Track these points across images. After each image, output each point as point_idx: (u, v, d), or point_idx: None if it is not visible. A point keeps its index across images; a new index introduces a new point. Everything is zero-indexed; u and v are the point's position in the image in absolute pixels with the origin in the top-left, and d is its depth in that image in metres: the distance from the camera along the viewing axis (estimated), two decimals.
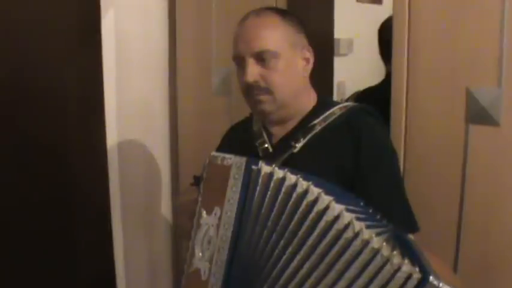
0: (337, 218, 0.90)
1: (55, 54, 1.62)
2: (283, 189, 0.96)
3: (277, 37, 1.17)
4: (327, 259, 0.90)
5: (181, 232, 1.90)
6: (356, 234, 0.87)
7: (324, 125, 1.19)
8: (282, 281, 0.94)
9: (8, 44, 1.51)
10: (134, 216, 1.93)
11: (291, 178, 0.96)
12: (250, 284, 0.99)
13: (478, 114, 1.23)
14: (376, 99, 1.39)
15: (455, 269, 1.27)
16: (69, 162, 1.69)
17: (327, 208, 0.90)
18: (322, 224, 0.90)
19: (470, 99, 1.24)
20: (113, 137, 1.82)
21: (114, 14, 1.79)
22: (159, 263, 2.03)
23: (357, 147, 1.14)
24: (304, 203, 0.93)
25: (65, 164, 1.68)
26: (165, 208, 2.03)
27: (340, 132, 1.17)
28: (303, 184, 0.94)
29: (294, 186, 0.95)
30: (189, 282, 1.07)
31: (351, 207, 0.91)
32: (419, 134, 1.33)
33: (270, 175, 0.98)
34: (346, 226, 0.89)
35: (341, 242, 0.89)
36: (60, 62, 1.64)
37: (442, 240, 1.26)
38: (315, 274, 0.91)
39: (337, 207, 0.90)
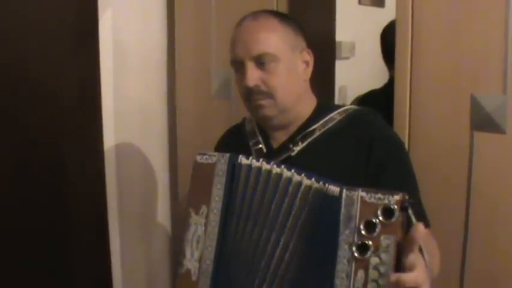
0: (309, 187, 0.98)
1: (52, 54, 1.61)
2: (260, 178, 1.02)
3: (277, 40, 1.16)
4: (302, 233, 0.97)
5: None
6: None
7: (323, 130, 1.18)
8: (271, 269, 0.98)
9: (4, 43, 1.50)
10: (131, 218, 1.92)
11: (266, 166, 1.03)
12: (240, 279, 1.02)
13: (483, 121, 1.22)
14: (378, 104, 1.38)
15: (461, 275, 1.26)
16: (66, 164, 1.68)
17: (299, 183, 0.98)
18: (297, 201, 0.98)
19: (475, 105, 1.23)
20: (110, 139, 1.80)
21: (112, 14, 1.77)
22: (156, 266, 2.02)
23: (368, 147, 1.13)
24: (280, 185, 1.00)
25: (61, 165, 1.66)
26: (163, 211, 2.02)
27: (343, 136, 1.17)
28: (277, 170, 1.01)
29: (269, 172, 1.02)
30: (180, 283, 1.09)
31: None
32: (423, 141, 1.32)
33: (249, 167, 1.04)
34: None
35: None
36: (57, 62, 1.63)
37: (447, 247, 1.23)
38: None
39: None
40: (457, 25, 1.25)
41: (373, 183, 1.09)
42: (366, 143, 1.13)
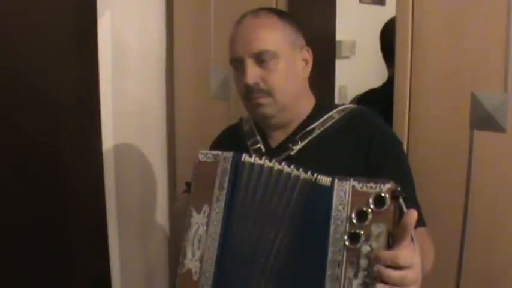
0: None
1: (52, 55, 1.61)
2: (262, 176, 1.01)
3: (277, 37, 1.15)
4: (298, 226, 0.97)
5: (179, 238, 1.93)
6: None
7: (322, 128, 1.18)
8: (268, 264, 0.98)
9: (4, 44, 1.50)
10: (130, 218, 1.91)
11: (268, 164, 1.02)
12: (240, 279, 1.01)
13: (483, 120, 1.21)
14: (377, 103, 1.38)
15: (458, 276, 1.26)
16: (65, 164, 1.68)
17: (298, 178, 0.98)
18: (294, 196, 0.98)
19: (475, 103, 1.22)
20: (109, 139, 1.80)
21: (111, 15, 1.77)
22: (155, 266, 2.02)
23: (367, 145, 1.13)
24: (281, 181, 0.99)
25: (60, 165, 1.67)
26: (162, 212, 2.01)
27: (342, 135, 1.16)
28: (278, 166, 1.00)
29: (271, 169, 1.01)
30: (181, 283, 1.07)
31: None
32: (423, 140, 1.31)
33: (251, 165, 1.03)
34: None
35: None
36: (56, 62, 1.63)
37: (445, 247, 1.23)
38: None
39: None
40: (458, 23, 1.24)
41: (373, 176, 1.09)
42: (365, 142, 1.13)
